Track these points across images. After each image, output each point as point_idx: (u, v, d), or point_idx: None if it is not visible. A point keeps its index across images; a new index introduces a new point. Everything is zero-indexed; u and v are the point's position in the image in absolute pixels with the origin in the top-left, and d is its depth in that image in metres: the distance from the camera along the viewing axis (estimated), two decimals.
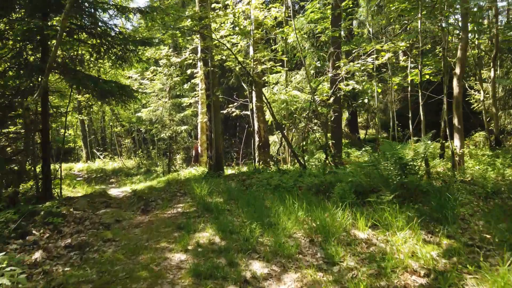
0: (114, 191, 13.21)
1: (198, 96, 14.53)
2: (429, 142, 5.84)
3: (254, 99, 13.34)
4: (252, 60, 10.91)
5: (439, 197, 4.57)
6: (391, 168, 5.35)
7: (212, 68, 10.24)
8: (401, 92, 17.13)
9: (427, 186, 5.14)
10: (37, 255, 3.82)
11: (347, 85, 8.06)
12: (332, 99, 8.34)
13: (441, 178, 6.16)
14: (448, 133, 6.96)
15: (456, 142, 6.49)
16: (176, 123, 15.98)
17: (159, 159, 20.81)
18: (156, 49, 15.44)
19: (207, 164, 14.45)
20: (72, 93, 10.28)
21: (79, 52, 10.57)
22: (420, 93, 6.57)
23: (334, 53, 9.15)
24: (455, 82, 6.51)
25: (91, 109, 21.56)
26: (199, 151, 14.39)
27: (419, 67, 6.34)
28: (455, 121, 6.52)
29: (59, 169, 10.66)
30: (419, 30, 6.35)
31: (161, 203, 6.22)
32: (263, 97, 9.77)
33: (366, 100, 12.24)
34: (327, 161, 9.01)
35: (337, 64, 7.76)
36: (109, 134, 27.54)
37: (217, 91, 10.47)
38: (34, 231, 4.56)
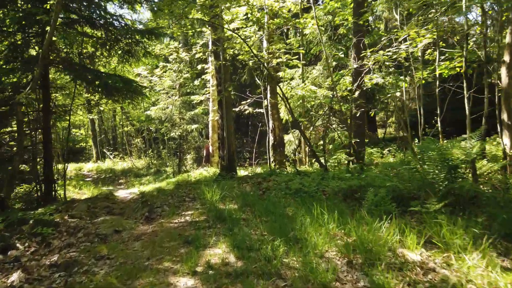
0: (121, 193, 12.64)
1: (209, 93, 13.85)
2: (475, 140, 4.99)
3: (268, 95, 12.59)
4: (267, 53, 10.15)
5: (502, 207, 3.75)
6: (436, 171, 4.53)
7: (224, 62, 9.53)
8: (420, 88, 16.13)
9: (483, 193, 4.31)
10: (15, 276, 3.15)
11: (371, 78, 7.24)
12: (357, 93, 7.51)
13: (490, 183, 5.30)
14: (487, 130, 6.12)
15: (506, 140, 5.61)
16: (187, 122, 15.34)
17: (169, 159, 20.24)
18: (166, 45, 14.84)
19: (218, 165, 13.76)
20: (76, 90, 9.70)
21: (84, 46, 10.01)
22: (465, 84, 5.71)
23: (357, 44, 8.32)
24: (503, 72, 5.64)
25: (100, 108, 21.16)
26: (210, 150, 13.71)
27: (464, 53, 5.49)
28: (504, 116, 5.65)
29: (64, 170, 10.09)
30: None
31: (167, 209, 5.51)
32: (280, 93, 8.99)
33: (396, 94, 11.34)
34: (351, 162, 8.20)
35: (363, 54, 6.94)
36: (120, 134, 27.15)
37: (229, 86, 9.75)
38: (18, 244, 3.91)
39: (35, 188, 8.26)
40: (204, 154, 13.82)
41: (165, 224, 4.72)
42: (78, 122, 35.53)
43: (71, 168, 22.19)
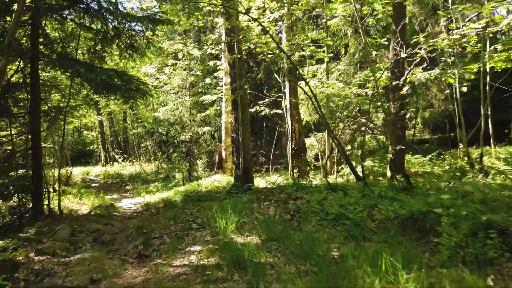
0: (125, 203, 11.46)
1: (221, 92, 12.58)
2: None
3: (287, 95, 11.25)
4: (289, 44, 8.81)
5: None
6: None
7: (239, 55, 8.23)
8: (447, 87, 14.53)
9: None
10: None
11: (423, 70, 5.81)
12: (405, 89, 6.08)
13: None
14: None
15: None
16: (197, 124, 14.11)
17: (180, 164, 19.07)
18: (175, 42, 13.66)
19: (232, 171, 12.47)
20: (73, 89, 8.54)
21: (82, 40, 8.87)
22: None
23: (399, 30, 6.90)
24: None
25: (108, 108, 20.15)
26: (223, 156, 12.43)
27: None
28: None
29: (59, 178, 8.94)
30: None
31: (168, 241, 4.20)
32: (307, 90, 7.64)
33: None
34: (391, 173, 6.77)
35: (415, 40, 5.52)
36: (131, 136, 26.21)
37: (245, 84, 8.45)
38: None
39: (20, 202, 7.10)
40: (217, 160, 12.55)
41: (161, 269, 3.41)
42: (90, 124, 34.96)
43: (78, 172, 21.28)
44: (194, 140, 14.43)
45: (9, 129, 8.34)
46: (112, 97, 9.26)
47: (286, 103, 11.63)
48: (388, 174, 8.39)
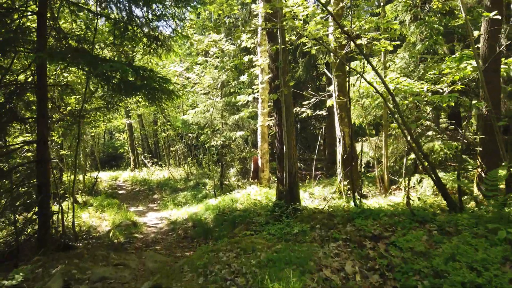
0: (150, 217, 10.20)
1: (257, 91, 11.07)
2: None
3: (335, 94, 9.60)
4: (337, 32, 7.16)
5: None
6: None
7: (283, 45, 6.67)
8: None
9: None
10: None
11: None
12: None
13: None
14: None
15: None
16: (229, 128, 12.69)
17: (210, 170, 17.77)
18: (206, 36, 12.32)
19: (268, 181, 10.93)
20: (89, 90, 7.35)
21: (100, 32, 7.70)
22: None
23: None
24: None
25: (137, 111, 19.26)
26: (260, 164, 10.91)
27: None
28: None
29: (72, 193, 7.78)
30: None
31: None
32: (379, 78, 5.99)
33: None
34: (484, 193, 4.94)
35: None
36: (161, 139, 25.29)
37: (290, 80, 6.88)
38: None
39: (19, 227, 5.91)
40: (252, 169, 11.05)
41: None
42: (121, 126, 34.62)
43: (106, 177, 20.57)
44: (225, 145, 13.02)
45: (17, 137, 7.27)
46: (134, 99, 7.98)
47: (331, 102, 9.96)
48: (477, 193, 6.53)
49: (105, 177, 20.69)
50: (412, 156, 8.92)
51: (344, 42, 7.68)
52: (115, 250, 6.08)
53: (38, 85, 6.26)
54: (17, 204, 5.89)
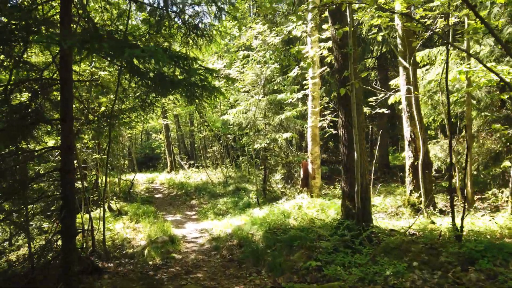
0: (189, 229, 9.16)
1: (307, 88, 9.74)
2: None
3: (403, 88, 8.15)
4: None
5: None
6: None
7: (352, 27, 5.32)
8: None
9: None
10: None
11: None
12: None
13: None
14: None
15: None
16: (273, 129, 11.45)
17: (250, 174, 16.65)
18: (247, 27, 11.18)
19: (320, 190, 9.58)
20: (120, 84, 6.41)
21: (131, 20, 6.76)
22: None
23: None
24: None
25: (174, 111, 18.55)
26: (310, 170, 9.58)
27: None
28: None
29: (102, 209, 6.87)
30: None
31: None
32: (485, 67, 4.51)
33: None
34: None
35: None
36: (197, 140, 24.58)
37: (361, 71, 5.52)
38: None
39: (42, 250, 5.00)
40: (301, 175, 9.74)
41: None
42: (158, 126, 34.45)
43: (143, 180, 20.04)
44: (268, 148, 11.80)
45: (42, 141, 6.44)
46: (171, 97, 6.95)
47: (395, 99, 8.49)
48: None
49: (141, 179, 20.20)
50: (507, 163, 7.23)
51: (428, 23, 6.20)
52: (149, 277, 5.03)
53: (61, 81, 5.34)
54: (34, 221, 4.98)
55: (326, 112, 9.46)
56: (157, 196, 15.76)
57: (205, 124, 19.78)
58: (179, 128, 27.59)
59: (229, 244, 6.95)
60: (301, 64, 9.21)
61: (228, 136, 16.66)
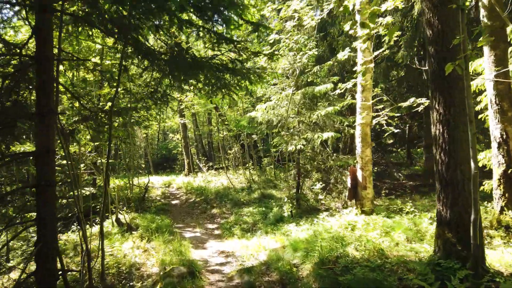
0: (212, 250, 7.47)
1: (355, 76, 7.92)
2: None
3: (490, 72, 6.27)
4: None
5: None
6: None
7: None
8: None
9: None
10: None
11: None
12: None
13: None
14: None
15: None
16: (308, 127, 9.69)
17: (278, 179, 14.91)
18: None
19: (372, 203, 7.76)
20: (123, 67, 4.81)
21: None
22: None
23: None
24: None
25: (192, 109, 17.00)
26: (360, 178, 7.77)
27: None
28: None
29: (100, 231, 5.28)
30: None
31: None
32: None
33: None
34: None
35: None
36: (216, 141, 22.96)
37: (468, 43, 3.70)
38: None
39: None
40: (348, 184, 7.91)
41: None
42: (175, 126, 33.08)
43: (159, 183, 18.58)
44: (301, 150, 10.03)
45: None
46: (191, 86, 5.30)
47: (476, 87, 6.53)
48: None
49: (157, 183, 18.77)
50: None
51: None
52: None
53: (36, 58, 3.75)
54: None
55: (379, 107, 7.63)
56: (173, 202, 14.22)
57: (225, 123, 18.19)
58: (197, 127, 26.13)
59: (267, 280, 5.23)
60: (338, 56, 7.37)
61: (253, 136, 14.98)
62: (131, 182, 12.19)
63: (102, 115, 5.17)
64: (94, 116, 5.24)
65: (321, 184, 9.09)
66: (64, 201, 9.18)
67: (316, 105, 10.09)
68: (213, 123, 23.22)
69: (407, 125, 17.19)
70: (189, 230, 9.33)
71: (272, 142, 9.57)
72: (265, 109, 9.46)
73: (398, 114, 6.97)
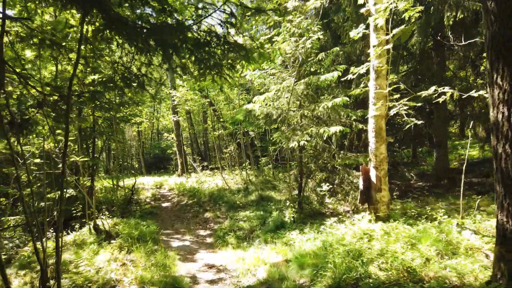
0: (202, 262, 6.28)
1: (367, 60, 6.87)
2: None
3: None
4: None
5: None
6: None
7: None
8: None
9: None
10: None
11: None
12: None
13: None
14: None
15: None
16: (311, 122, 8.65)
17: (276, 180, 13.86)
18: None
19: (388, 207, 6.74)
20: (84, 37, 3.76)
21: None
22: None
23: None
24: None
25: (185, 106, 15.88)
26: (373, 179, 6.73)
27: None
28: None
29: (56, 250, 4.19)
30: None
31: None
32: None
33: None
34: None
35: None
36: (211, 139, 21.86)
37: None
38: None
39: None
40: (360, 185, 6.85)
41: None
42: (170, 126, 31.94)
43: (150, 184, 17.47)
44: (304, 147, 8.99)
45: None
46: (177, 67, 4.22)
47: None
48: None
49: (148, 184, 17.67)
50: None
51: None
52: None
53: None
54: None
55: (395, 96, 6.57)
56: (164, 205, 13.13)
57: (221, 120, 17.10)
58: (192, 126, 25.01)
59: None
60: (351, 34, 6.30)
61: (250, 133, 13.90)
62: (115, 183, 11.09)
63: (60, 100, 4.09)
64: (51, 101, 4.16)
65: (328, 186, 8.04)
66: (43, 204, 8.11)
67: (320, 98, 9.05)
68: (209, 122, 22.13)
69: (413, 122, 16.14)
70: (177, 238, 8.25)
71: (271, 138, 8.49)
72: (264, 101, 8.40)
73: (419, 104, 5.95)
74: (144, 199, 13.78)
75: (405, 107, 5.90)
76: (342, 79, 8.29)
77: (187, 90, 15.00)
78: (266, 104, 8.59)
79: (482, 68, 11.14)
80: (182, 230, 9.10)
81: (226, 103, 17.02)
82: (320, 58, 8.42)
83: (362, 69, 6.40)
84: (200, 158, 21.62)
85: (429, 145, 19.88)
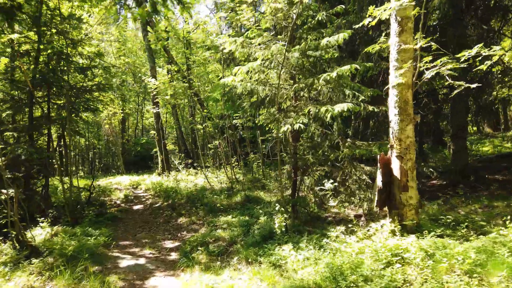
0: None
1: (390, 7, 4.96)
2: None
3: None
4: None
5: None
6: None
7: None
8: None
9: None
10: None
11: None
12: None
13: None
14: None
15: None
16: (308, 101, 6.73)
17: (264, 176, 11.96)
18: None
19: (417, 212, 4.80)
20: None
21: None
22: None
23: None
24: None
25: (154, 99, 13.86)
26: (396, 172, 4.80)
27: None
28: None
29: None
30: None
31: None
32: None
33: None
34: None
35: None
36: (200, 137, 19.75)
37: None
38: None
39: None
40: (378, 182, 4.92)
41: None
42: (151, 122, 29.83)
43: (125, 184, 15.44)
44: (300, 134, 7.08)
45: None
46: None
47: None
48: None
49: (124, 184, 15.65)
50: None
51: None
52: None
53: None
54: None
55: (425, 60, 4.65)
56: (135, 208, 11.14)
57: (205, 111, 15.06)
58: (177, 121, 22.92)
59: None
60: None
61: (237, 124, 11.89)
62: (67, 181, 9.11)
63: None
64: None
65: (331, 183, 6.12)
66: None
67: (318, 73, 7.12)
68: (197, 118, 20.02)
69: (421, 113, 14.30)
70: (133, 253, 6.26)
71: (258, 120, 6.54)
72: (248, 73, 6.43)
73: (464, 65, 4.07)
74: (115, 201, 11.79)
75: (447, 67, 3.99)
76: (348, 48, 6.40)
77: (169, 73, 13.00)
78: (250, 78, 6.65)
79: None
80: (145, 240, 7.12)
81: (207, 83, 14.80)
82: (319, 19, 6.50)
83: (385, 12, 4.44)
84: (183, 154, 19.60)
85: (433, 140, 18.04)
